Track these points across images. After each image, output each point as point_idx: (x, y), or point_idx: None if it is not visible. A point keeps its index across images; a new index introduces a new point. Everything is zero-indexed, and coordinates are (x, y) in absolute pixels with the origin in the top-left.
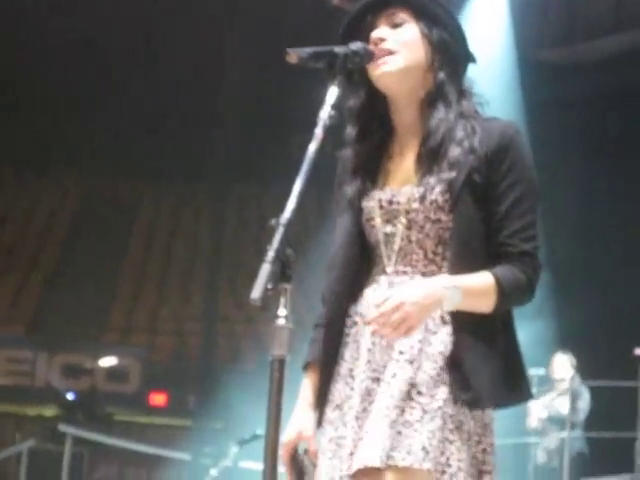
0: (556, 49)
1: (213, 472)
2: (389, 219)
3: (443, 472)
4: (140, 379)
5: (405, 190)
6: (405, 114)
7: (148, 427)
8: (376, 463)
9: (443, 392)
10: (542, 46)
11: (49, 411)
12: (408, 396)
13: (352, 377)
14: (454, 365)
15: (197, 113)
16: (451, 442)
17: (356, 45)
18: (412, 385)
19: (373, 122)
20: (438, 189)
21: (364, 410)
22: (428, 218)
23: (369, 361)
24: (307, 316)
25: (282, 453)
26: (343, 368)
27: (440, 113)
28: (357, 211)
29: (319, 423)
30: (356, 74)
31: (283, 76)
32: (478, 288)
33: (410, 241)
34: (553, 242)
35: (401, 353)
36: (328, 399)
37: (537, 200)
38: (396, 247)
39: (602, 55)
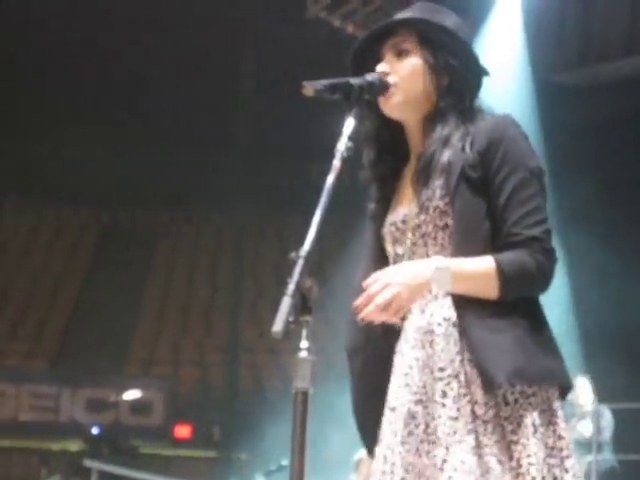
0: (571, 71)
1: None
2: (400, 242)
3: (517, 475)
4: (164, 411)
5: (411, 207)
6: (414, 137)
7: (173, 459)
8: None
9: (495, 395)
10: (557, 68)
11: (74, 446)
12: (474, 416)
13: (393, 409)
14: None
15: (215, 143)
16: (516, 443)
17: (372, 76)
18: (474, 403)
19: (388, 146)
20: (437, 194)
21: (410, 434)
22: (437, 226)
23: (407, 384)
24: (330, 343)
25: None
26: (386, 403)
27: (436, 133)
28: (378, 239)
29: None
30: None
31: (301, 106)
32: (474, 271)
33: (428, 255)
34: (570, 258)
35: (441, 370)
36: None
37: (540, 186)
38: None
39: (617, 77)
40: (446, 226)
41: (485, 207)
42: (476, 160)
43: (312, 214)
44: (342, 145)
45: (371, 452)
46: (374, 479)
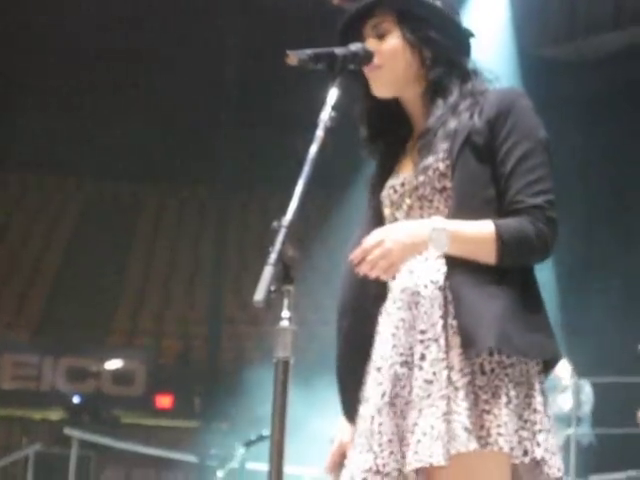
0: (557, 46)
1: (220, 474)
2: (397, 205)
3: (486, 444)
4: (146, 381)
5: (412, 171)
6: (414, 110)
7: (154, 429)
8: (442, 462)
9: (472, 363)
10: (543, 43)
11: (55, 415)
12: (449, 381)
13: (379, 369)
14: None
15: (199, 115)
16: (488, 412)
17: (356, 46)
18: (450, 368)
19: (386, 122)
20: (440, 157)
21: (396, 396)
22: (435, 189)
23: (394, 345)
24: (312, 316)
25: (330, 458)
26: (371, 363)
27: (439, 110)
28: (376, 206)
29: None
30: (361, 78)
31: (284, 76)
32: (472, 234)
33: (423, 218)
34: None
35: (422, 332)
36: (362, 396)
37: (546, 156)
38: None
39: (603, 51)
40: (444, 189)
41: (489, 174)
42: (484, 128)
43: (296, 186)
44: (325, 115)
45: (347, 414)
46: (362, 438)
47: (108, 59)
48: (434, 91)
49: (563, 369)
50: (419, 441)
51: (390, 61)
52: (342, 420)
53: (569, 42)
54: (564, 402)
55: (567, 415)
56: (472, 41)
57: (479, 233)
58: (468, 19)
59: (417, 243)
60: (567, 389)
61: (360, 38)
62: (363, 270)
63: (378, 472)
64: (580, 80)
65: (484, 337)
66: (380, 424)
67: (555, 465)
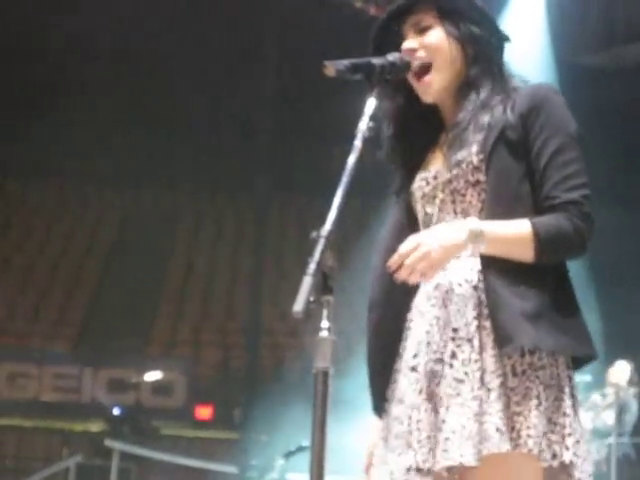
0: (595, 53)
1: None
2: (429, 198)
3: (516, 446)
4: (185, 392)
5: (444, 164)
6: (445, 104)
7: (194, 440)
8: (472, 462)
9: (504, 365)
10: (580, 50)
11: (95, 426)
12: (482, 382)
13: (414, 368)
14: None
15: (237, 124)
16: (519, 414)
17: (393, 56)
18: (483, 370)
19: (415, 121)
20: (473, 150)
21: (432, 393)
22: (468, 182)
23: (429, 343)
24: (350, 326)
25: (365, 461)
26: (403, 362)
27: (470, 104)
28: (406, 200)
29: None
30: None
31: (323, 87)
32: (509, 234)
33: (456, 213)
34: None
35: (455, 331)
36: (393, 396)
37: (580, 151)
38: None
39: None
40: (477, 182)
41: (523, 169)
42: (517, 122)
43: (334, 196)
44: (364, 125)
45: (376, 409)
46: (399, 440)
47: (133, 70)
48: (468, 86)
49: (622, 376)
50: (447, 439)
51: (436, 55)
52: (371, 420)
53: (607, 50)
54: (608, 418)
55: (609, 429)
56: (507, 46)
57: (516, 233)
58: (505, 26)
59: (456, 245)
60: (613, 405)
61: (396, 41)
62: (402, 276)
63: (419, 470)
64: (618, 88)
65: (519, 336)
66: (418, 421)
67: (586, 470)
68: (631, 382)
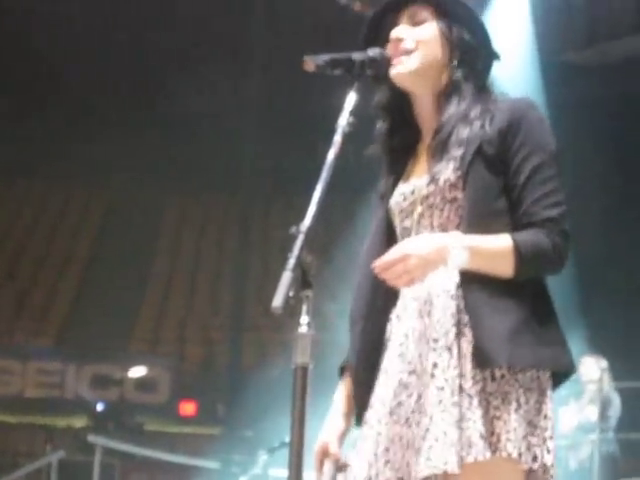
0: (579, 50)
1: None
2: (407, 213)
3: (496, 450)
4: (169, 388)
5: (422, 179)
6: (424, 110)
7: (178, 436)
8: (456, 470)
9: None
10: (565, 47)
11: (79, 422)
12: (461, 389)
13: (385, 376)
14: (471, 326)
15: (222, 121)
16: (498, 418)
17: (374, 51)
18: (462, 376)
19: (400, 120)
20: (450, 166)
21: (399, 404)
22: (445, 199)
23: (401, 354)
24: (337, 321)
25: (314, 460)
26: (382, 373)
27: (452, 107)
28: (385, 210)
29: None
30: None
31: (307, 82)
32: (491, 249)
33: (433, 227)
34: (580, 238)
35: (435, 341)
36: (370, 402)
37: (558, 168)
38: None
39: (625, 55)
40: (454, 199)
41: (501, 185)
42: (495, 138)
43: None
44: (344, 120)
45: (358, 420)
46: (365, 443)
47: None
48: (450, 92)
49: (592, 372)
50: (431, 447)
51: (423, 46)
52: (329, 420)
53: (590, 47)
54: (592, 413)
55: (593, 425)
56: (495, 63)
57: (498, 248)
58: (490, 25)
59: (439, 259)
60: (595, 400)
61: (386, 35)
62: (384, 277)
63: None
64: (601, 84)
65: (497, 353)
66: (379, 434)
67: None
68: (602, 378)
